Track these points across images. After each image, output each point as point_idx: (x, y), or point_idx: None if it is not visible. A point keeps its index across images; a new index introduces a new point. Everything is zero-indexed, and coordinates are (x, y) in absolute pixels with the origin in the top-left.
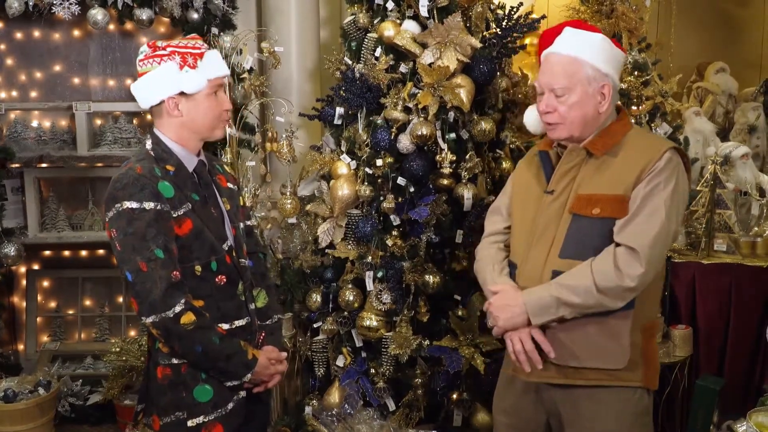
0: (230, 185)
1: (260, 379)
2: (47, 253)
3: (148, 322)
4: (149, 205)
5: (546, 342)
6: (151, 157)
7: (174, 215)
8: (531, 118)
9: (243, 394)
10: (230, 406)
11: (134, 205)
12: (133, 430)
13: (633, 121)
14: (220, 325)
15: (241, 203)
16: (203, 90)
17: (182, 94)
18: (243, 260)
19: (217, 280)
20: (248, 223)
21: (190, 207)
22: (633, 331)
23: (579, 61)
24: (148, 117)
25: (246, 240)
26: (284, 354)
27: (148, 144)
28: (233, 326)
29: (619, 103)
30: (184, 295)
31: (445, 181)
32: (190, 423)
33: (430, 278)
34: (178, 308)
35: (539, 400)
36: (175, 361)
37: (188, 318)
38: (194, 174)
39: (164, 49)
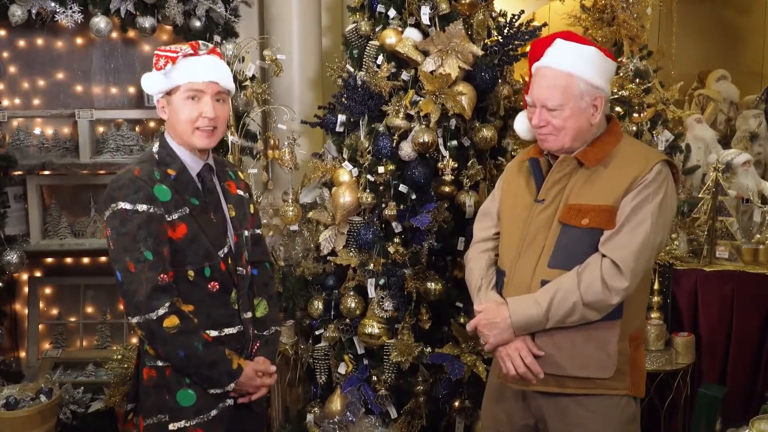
0: (240, 192)
1: (245, 390)
2: (49, 260)
3: (134, 323)
4: (142, 207)
5: (536, 364)
6: (153, 160)
7: (168, 219)
8: (522, 125)
9: (230, 402)
10: (213, 413)
11: (128, 206)
12: (123, 429)
13: (634, 128)
14: (208, 331)
15: (252, 211)
16: (179, 93)
17: (165, 96)
18: (241, 268)
19: (209, 286)
20: (257, 231)
21: (187, 211)
22: (620, 341)
23: (572, 76)
24: (151, 124)
25: (252, 248)
26: (273, 368)
27: (155, 147)
28: (222, 333)
29: (611, 113)
30: (169, 299)
31: (447, 189)
32: (171, 426)
33: (431, 285)
34: (161, 311)
35: (527, 407)
36: (160, 363)
37: (171, 321)
38: (198, 178)
39: (160, 50)
